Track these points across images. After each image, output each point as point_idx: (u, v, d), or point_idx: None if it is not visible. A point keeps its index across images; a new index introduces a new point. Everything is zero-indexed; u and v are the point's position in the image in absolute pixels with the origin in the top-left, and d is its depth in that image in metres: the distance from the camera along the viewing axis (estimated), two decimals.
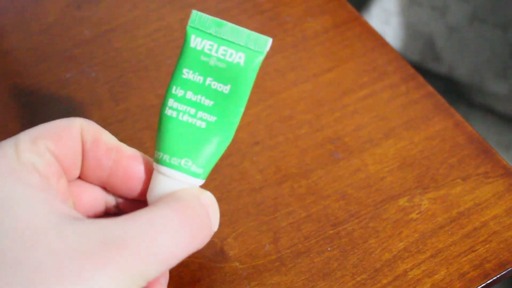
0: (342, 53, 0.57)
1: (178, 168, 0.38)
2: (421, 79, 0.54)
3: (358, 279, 0.43)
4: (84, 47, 0.58)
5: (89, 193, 0.40)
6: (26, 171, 0.34)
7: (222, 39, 0.37)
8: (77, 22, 0.60)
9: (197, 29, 0.37)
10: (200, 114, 0.37)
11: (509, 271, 0.44)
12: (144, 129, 0.52)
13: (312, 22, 0.59)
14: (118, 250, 0.32)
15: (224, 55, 0.37)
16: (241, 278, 0.44)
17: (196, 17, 0.37)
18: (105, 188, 0.40)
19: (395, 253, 0.45)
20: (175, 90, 0.38)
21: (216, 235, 0.46)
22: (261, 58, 0.37)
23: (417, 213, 0.46)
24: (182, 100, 0.37)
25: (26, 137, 0.36)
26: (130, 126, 0.52)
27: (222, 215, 0.47)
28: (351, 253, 0.45)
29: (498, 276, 0.43)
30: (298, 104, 0.53)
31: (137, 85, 0.55)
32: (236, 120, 0.38)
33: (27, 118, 0.53)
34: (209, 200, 0.38)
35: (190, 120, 0.37)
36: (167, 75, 0.55)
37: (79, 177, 0.39)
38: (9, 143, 0.35)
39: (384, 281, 0.43)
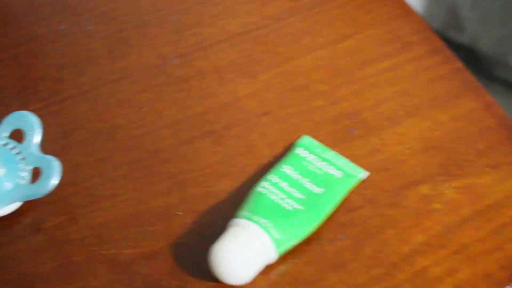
0: (363, 19, 0.52)
1: (258, 223, 0.39)
2: (448, 52, 0.49)
3: (373, 273, 0.39)
4: None
5: None
6: None
7: (325, 158, 0.43)
8: None
9: (305, 146, 0.43)
10: (289, 201, 0.40)
11: None
12: (142, 92, 0.48)
13: None
14: None
15: (324, 167, 0.42)
16: None
17: (305, 140, 0.44)
18: None
19: (415, 246, 0.40)
20: (272, 177, 0.42)
21: (218, 213, 0.42)
22: (356, 180, 0.43)
23: (440, 203, 0.42)
24: (276, 186, 0.41)
25: None
26: (127, 87, 0.48)
27: (225, 192, 0.42)
28: (366, 243, 0.40)
29: None
30: (313, 73, 0.48)
31: (137, 42, 0.50)
32: (322, 216, 0.41)
33: (16, 71, 0.49)
34: None
35: (279, 201, 0.40)
36: (170, 32, 0.50)
37: None
38: None
39: (402, 277, 0.39)
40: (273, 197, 0.41)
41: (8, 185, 0.41)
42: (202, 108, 0.46)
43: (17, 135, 0.43)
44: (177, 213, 0.42)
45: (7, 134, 0.43)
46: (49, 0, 0.52)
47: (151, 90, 0.47)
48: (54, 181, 0.41)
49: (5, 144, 0.42)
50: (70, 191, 0.43)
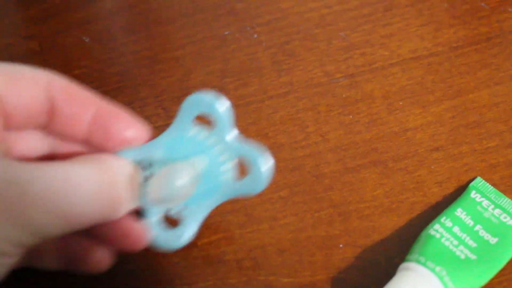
0: None
1: (432, 270, 0.37)
2: None
3: None
4: (248, 3, 0.51)
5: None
6: None
7: (500, 205, 0.40)
8: None
9: (478, 189, 0.41)
10: (462, 248, 0.38)
11: None
12: (307, 110, 0.45)
13: None
14: (14, 197, 0.29)
15: (499, 215, 0.40)
16: None
17: (479, 183, 0.41)
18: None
19: None
20: (444, 220, 0.39)
21: (381, 251, 0.39)
22: None
23: None
24: (448, 229, 0.39)
25: None
26: (292, 103, 0.46)
27: (390, 229, 0.40)
28: None
29: None
30: (489, 110, 0.45)
31: (303, 56, 0.48)
32: (497, 269, 0.38)
33: (177, 75, 0.47)
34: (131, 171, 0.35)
35: (452, 248, 0.38)
36: (338, 49, 0.48)
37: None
38: None
39: None
40: (446, 242, 0.38)
41: (212, 181, 0.35)
42: (370, 135, 0.44)
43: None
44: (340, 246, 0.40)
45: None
46: (215, 3, 0.51)
47: (316, 109, 0.45)
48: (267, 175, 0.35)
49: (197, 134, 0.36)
50: (228, 208, 0.41)
